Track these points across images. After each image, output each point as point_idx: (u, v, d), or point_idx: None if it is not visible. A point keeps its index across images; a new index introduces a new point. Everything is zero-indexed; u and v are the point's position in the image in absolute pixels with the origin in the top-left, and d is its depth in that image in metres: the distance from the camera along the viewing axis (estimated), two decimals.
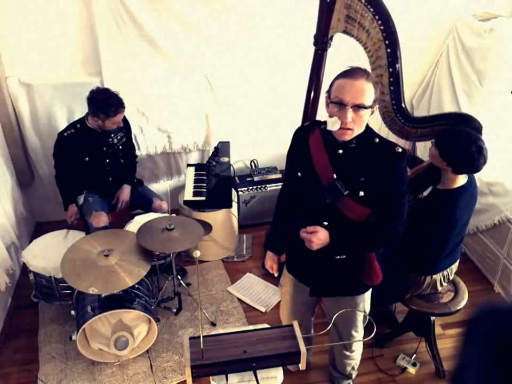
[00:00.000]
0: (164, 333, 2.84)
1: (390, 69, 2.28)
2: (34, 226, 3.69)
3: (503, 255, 3.03)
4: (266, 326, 1.87)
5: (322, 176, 1.75)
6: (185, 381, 2.37)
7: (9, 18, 2.93)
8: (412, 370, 2.65)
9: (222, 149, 3.48)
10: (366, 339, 1.81)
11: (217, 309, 3.03)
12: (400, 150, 1.71)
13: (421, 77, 3.72)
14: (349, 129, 1.63)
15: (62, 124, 3.19)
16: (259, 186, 3.62)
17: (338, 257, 1.87)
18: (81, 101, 2.84)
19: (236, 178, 3.69)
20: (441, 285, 2.45)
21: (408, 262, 2.38)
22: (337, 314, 1.78)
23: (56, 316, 2.93)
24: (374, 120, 1.90)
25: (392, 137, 2.19)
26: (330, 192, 1.73)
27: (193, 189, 3.36)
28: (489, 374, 0.70)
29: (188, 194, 3.31)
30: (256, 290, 3.17)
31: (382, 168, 1.69)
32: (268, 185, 3.63)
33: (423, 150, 3.54)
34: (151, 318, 2.58)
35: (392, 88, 2.32)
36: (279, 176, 3.69)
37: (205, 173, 3.50)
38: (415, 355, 2.70)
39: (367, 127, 1.73)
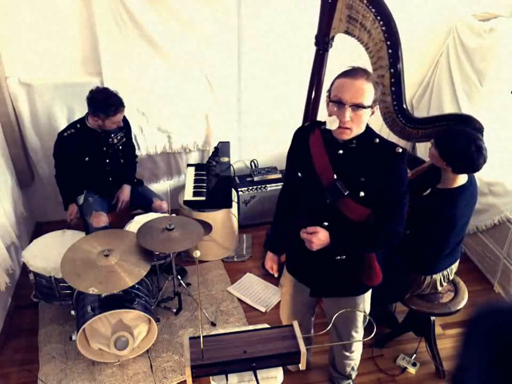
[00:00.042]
0: (164, 333, 2.84)
1: (392, 70, 2.27)
2: (34, 226, 3.69)
3: (503, 255, 3.03)
4: (266, 326, 1.87)
5: (323, 176, 1.75)
6: (185, 381, 2.37)
7: (9, 18, 2.93)
8: (411, 370, 2.65)
9: (222, 149, 3.48)
10: (366, 339, 1.81)
11: (217, 309, 3.03)
12: (400, 150, 1.71)
13: (421, 77, 3.72)
14: (347, 128, 1.63)
15: (62, 124, 3.19)
16: (259, 186, 3.62)
17: (339, 257, 1.87)
18: (81, 101, 2.84)
19: (236, 178, 3.69)
20: (441, 285, 2.45)
21: (408, 262, 2.38)
22: (337, 314, 1.78)
23: (56, 316, 2.93)
24: (375, 120, 1.90)
25: (393, 138, 2.19)
26: (331, 192, 1.73)
27: (193, 189, 3.36)
28: (489, 374, 0.70)
29: (188, 194, 3.31)
30: (256, 290, 3.17)
31: (382, 168, 1.69)
32: (268, 185, 3.63)
33: (424, 150, 3.54)
34: (151, 318, 2.58)
35: (393, 89, 2.32)
36: (279, 176, 3.69)
37: (205, 173, 3.50)
38: (415, 355, 2.70)
39: (368, 127, 1.73)
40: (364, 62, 2.15)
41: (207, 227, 2.96)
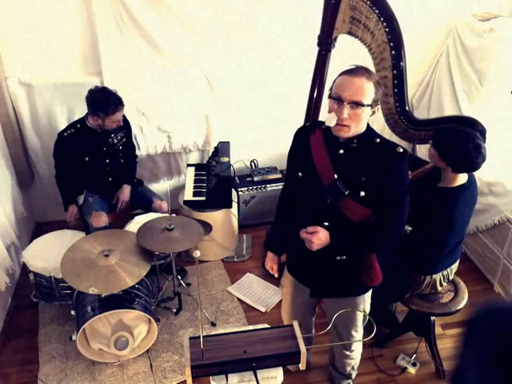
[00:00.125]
0: (164, 333, 2.84)
1: (395, 71, 2.27)
2: (34, 226, 3.69)
3: (503, 255, 3.03)
4: (266, 326, 1.86)
5: (323, 176, 1.75)
6: (185, 381, 2.37)
7: (9, 18, 2.93)
8: (411, 370, 2.65)
9: (222, 149, 3.48)
10: (366, 339, 1.81)
11: (217, 309, 3.03)
12: (401, 150, 1.71)
13: (421, 77, 3.72)
14: (345, 125, 1.63)
15: (62, 124, 3.19)
16: (259, 186, 3.62)
17: (339, 258, 1.87)
18: (81, 101, 2.84)
19: (236, 178, 3.69)
20: (441, 285, 2.45)
21: (408, 261, 2.38)
22: (337, 314, 1.78)
23: (56, 316, 2.93)
24: (377, 121, 1.90)
25: (395, 139, 2.18)
26: (331, 192, 1.73)
27: (193, 189, 3.36)
28: (489, 374, 0.70)
29: (188, 194, 3.31)
30: (256, 290, 3.17)
31: (383, 168, 1.69)
32: (268, 185, 3.63)
33: (425, 151, 3.54)
34: (151, 318, 2.58)
35: (396, 90, 2.32)
36: (279, 176, 3.69)
37: (205, 173, 3.50)
38: (415, 355, 2.70)
39: (368, 127, 1.73)
40: (367, 62, 2.15)
41: (207, 227, 2.96)
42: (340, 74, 1.67)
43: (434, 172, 2.31)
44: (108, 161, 3.03)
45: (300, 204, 1.92)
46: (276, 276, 2.19)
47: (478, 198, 2.35)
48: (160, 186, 3.72)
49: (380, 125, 2.48)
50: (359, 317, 2.14)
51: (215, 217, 3.27)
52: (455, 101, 3.41)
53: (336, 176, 1.73)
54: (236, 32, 3.22)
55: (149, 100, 3.31)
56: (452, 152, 2.11)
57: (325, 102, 1.88)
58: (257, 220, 3.72)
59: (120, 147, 3.07)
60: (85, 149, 2.92)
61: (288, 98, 3.55)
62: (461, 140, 2.12)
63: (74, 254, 2.47)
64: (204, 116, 3.50)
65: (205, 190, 3.35)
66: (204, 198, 3.28)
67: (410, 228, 2.38)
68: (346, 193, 1.72)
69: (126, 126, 3.07)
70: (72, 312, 2.58)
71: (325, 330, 1.75)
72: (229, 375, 1.61)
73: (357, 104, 1.60)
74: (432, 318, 2.58)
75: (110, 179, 3.10)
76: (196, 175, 3.50)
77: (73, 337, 2.49)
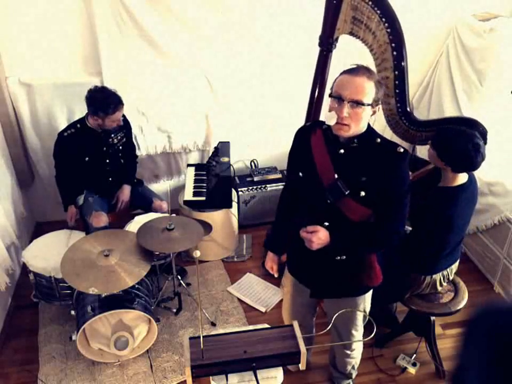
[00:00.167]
0: (164, 333, 2.84)
1: (396, 72, 2.27)
2: (34, 226, 3.69)
3: (503, 255, 3.03)
4: (266, 326, 1.87)
5: (323, 176, 1.75)
6: (185, 381, 2.37)
7: (9, 18, 2.93)
8: (411, 370, 2.65)
9: (222, 149, 3.48)
10: (366, 339, 1.81)
11: (217, 309, 3.03)
12: (401, 150, 1.70)
13: (421, 77, 3.72)
14: (345, 124, 1.63)
15: (62, 124, 3.19)
16: (259, 186, 3.62)
17: (339, 258, 1.87)
18: (81, 101, 2.84)
19: (236, 178, 3.69)
20: (441, 285, 2.45)
21: (408, 261, 2.38)
22: (336, 314, 1.78)
23: (56, 316, 2.93)
24: (378, 122, 1.89)
25: (396, 140, 2.18)
26: (332, 192, 1.73)
27: (193, 189, 3.36)
28: (489, 374, 0.70)
29: (188, 194, 3.31)
30: (256, 290, 3.17)
31: (384, 168, 1.69)
32: (268, 185, 3.63)
33: (424, 151, 3.54)
34: (151, 318, 2.58)
35: (397, 91, 2.31)
36: (279, 176, 3.69)
37: (205, 173, 3.50)
38: (415, 355, 2.70)
39: (369, 127, 1.73)
40: (369, 63, 2.15)
41: (207, 227, 2.96)
42: (341, 74, 1.67)
43: (435, 172, 2.31)
44: (108, 161, 3.03)
45: (300, 204, 1.91)
46: (276, 275, 2.19)
47: (478, 198, 2.35)
48: (160, 186, 3.72)
49: (381, 125, 2.48)
50: (360, 316, 2.14)
51: (215, 217, 3.27)
52: (455, 101, 3.41)
53: (336, 176, 1.73)
54: (236, 32, 3.22)
55: (149, 100, 3.31)
56: (451, 152, 2.12)
57: (326, 102, 1.88)
58: (257, 219, 3.72)
59: (120, 147, 3.07)
60: (85, 149, 2.92)
61: (288, 98, 3.55)
62: (459, 139, 2.12)
63: (74, 254, 2.47)
64: (203, 116, 3.50)
65: (205, 190, 3.35)
66: (204, 198, 3.28)
67: (410, 228, 2.38)
68: (346, 193, 1.72)
69: (126, 126, 3.07)
70: (72, 312, 2.58)
71: (325, 330, 1.75)
72: (229, 375, 1.61)
73: (357, 103, 1.60)
74: (432, 318, 2.58)
75: (110, 179, 3.10)
76: (195, 175, 3.51)
77: (73, 337, 2.49)
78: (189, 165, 3.62)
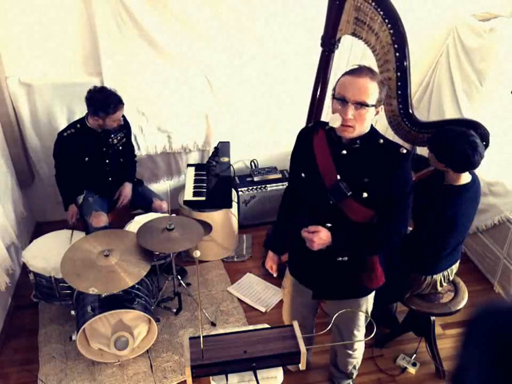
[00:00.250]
0: (164, 333, 2.84)
1: (398, 73, 2.26)
2: (34, 226, 3.69)
3: (503, 255, 3.03)
4: (266, 326, 1.87)
5: (326, 177, 1.74)
6: (185, 381, 2.37)
7: (10, 18, 2.93)
8: (411, 370, 2.65)
9: (222, 149, 3.48)
10: (366, 339, 1.81)
11: (217, 309, 3.03)
12: (404, 151, 1.70)
13: (421, 77, 3.72)
14: (349, 126, 1.63)
15: (62, 124, 3.19)
16: (259, 186, 3.62)
17: (340, 259, 1.86)
18: (81, 101, 2.84)
19: (236, 178, 3.69)
20: (441, 285, 2.45)
21: (409, 262, 2.38)
22: (337, 314, 1.78)
23: (56, 316, 2.93)
24: (380, 123, 1.89)
25: (397, 141, 2.19)
26: (334, 193, 1.73)
27: (193, 189, 3.36)
28: (489, 374, 0.70)
29: (188, 194, 3.31)
30: (256, 290, 3.17)
31: (386, 169, 1.68)
32: (268, 185, 3.63)
33: (425, 153, 3.54)
34: (151, 318, 2.58)
35: (399, 92, 2.31)
36: (279, 176, 3.69)
37: (205, 173, 3.50)
38: (415, 355, 2.70)
39: (372, 127, 1.72)
40: (370, 64, 2.15)
41: (207, 227, 2.96)
42: (343, 75, 1.66)
43: (438, 173, 2.30)
44: (107, 161, 3.03)
45: (303, 205, 1.91)
46: (275, 275, 2.19)
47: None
48: (160, 186, 3.72)
49: (383, 126, 2.48)
50: (362, 317, 2.14)
51: (215, 217, 3.27)
52: (455, 101, 3.41)
53: (338, 177, 1.72)
54: (236, 32, 3.22)
55: (149, 100, 3.31)
56: (448, 153, 2.12)
57: (328, 103, 1.87)
58: (257, 220, 3.72)
59: (120, 147, 3.07)
60: (85, 149, 2.92)
61: (288, 98, 3.55)
62: (455, 140, 2.11)
63: (74, 254, 2.46)
64: (204, 116, 3.50)
65: (205, 190, 3.35)
66: (204, 198, 3.28)
67: (410, 228, 2.38)
68: (348, 194, 1.71)
69: (126, 126, 3.08)
70: (72, 312, 2.58)
71: (325, 330, 1.75)
72: (229, 375, 1.61)
73: (361, 105, 1.60)
74: (432, 318, 2.58)
75: (110, 179, 3.10)
76: (195, 175, 3.50)
77: (73, 337, 2.49)
78: (189, 165, 3.62)
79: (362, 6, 2.22)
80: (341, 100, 1.61)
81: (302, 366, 1.65)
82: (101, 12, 2.95)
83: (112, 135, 2.99)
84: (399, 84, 2.29)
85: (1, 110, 3.08)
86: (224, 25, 3.17)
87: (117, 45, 3.08)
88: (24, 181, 3.42)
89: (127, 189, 3.14)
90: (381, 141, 1.72)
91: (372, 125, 1.72)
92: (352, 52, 2.88)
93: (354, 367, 2.41)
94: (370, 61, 2.28)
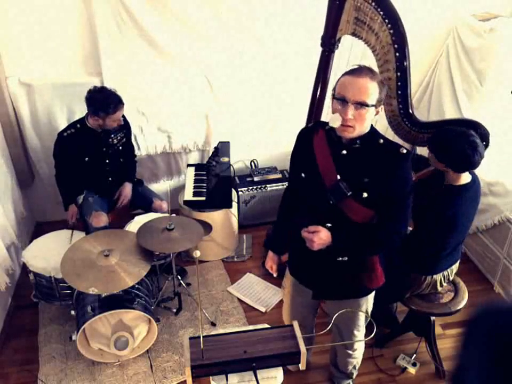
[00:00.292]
0: (164, 333, 2.84)
1: (398, 73, 2.26)
2: (34, 226, 3.69)
3: (503, 255, 3.03)
4: (266, 326, 1.87)
5: (326, 177, 1.74)
6: (185, 381, 2.37)
7: (10, 18, 2.93)
8: (411, 370, 2.65)
9: (222, 149, 3.48)
10: (366, 339, 1.81)
11: (217, 309, 3.03)
12: (404, 151, 1.70)
13: (421, 77, 3.72)
14: (349, 126, 1.63)
15: (62, 124, 3.19)
16: (259, 186, 3.62)
17: (340, 259, 1.86)
18: (81, 101, 2.84)
19: (236, 178, 3.69)
20: (441, 285, 2.45)
21: (409, 262, 2.38)
22: (337, 314, 1.78)
23: (56, 316, 2.93)
24: (380, 123, 1.89)
25: (397, 141, 2.19)
26: (334, 193, 1.73)
27: (193, 189, 3.36)
28: (489, 374, 0.70)
29: (188, 194, 3.31)
30: (256, 290, 3.17)
31: (386, 169, 1.68)
32: (268, 185, 3.63)
33: (425, 153, 3.54)
34: (151, 318, 2.58)
35: (399, 92, 2.31)
36: (279, 176, 3.69)
37: (205, 173, 3.50)
38: (415, 355, 2.70)
39: (372, 127, 1.72)
40: (370, 64, 2.15)
41: (207, 227, 2.96)
42: (343, 75, 1.66)
43: (438, 173, 2.30)
44: (107, 161, 3.03)
45: (303, 205, 1.91)
46: (275, 275, 2.19)
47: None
48: (160, 186, 3.72)
49: (383, 126, 2.48)
50: (362, 317, 2.14)
51: (215, 217, 3.27)
52: (455, 101, 3.41)
53: (338, 177, 1.72)
54: (236, 32, 3.22)
55: (149, 100, 3.31)
56: (448, 153, 2.12)
57: (328, 103, 1.87)
58: (257, 220, 3.71)
59: (120, 147, 3.07)
60: (85, 149, 2.92)
61: (288, 98, 3.55)
62: (454, 140, 2.11)
63: (74, 254, 2.46)
64: (204, 115, 3.50)
65: (205, 190, 3.35)
66: (204, 198, 3.28)
67: (410, 228, 2.38)
68: (348, 194, 1.71)
69: (125, 126, 3.08)
70: (72, 312, 2.58)
71: (325, 331, 1.75)
72: (229, 375, 1.61)
73: (361, 105, 1.59)
74: (432, 318, 2.58)
75: (110, 179, 3.10)
76: (196, 175, 3.50)
77: (73, 337, 2.49)
78: (189, 165, 3.62)
79: (362, 6, 2.22)
80: (341, 100, 1.61)
81: (302, 366, 1.65)
82: (101, 12, 2.95)
83: (112, 135, 2.99)
84: (399, 84, 2.29)
85: (1, 110, 3.08)
86: (224, 25, 3.17)
87: (117, 45, 3.08)
88: (24, 181, 3.42)
89: (127, 189, 3.14)
90: (381, 141, 1.72)
91: (372, 125, 1.72)
92: (352, 51, 2.87)
93: (354, 367, 2.41)
94: (370, 61, 2.28)
